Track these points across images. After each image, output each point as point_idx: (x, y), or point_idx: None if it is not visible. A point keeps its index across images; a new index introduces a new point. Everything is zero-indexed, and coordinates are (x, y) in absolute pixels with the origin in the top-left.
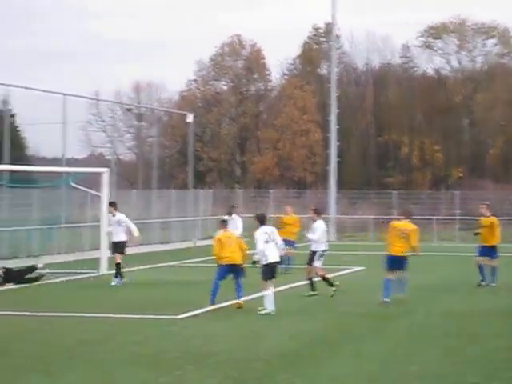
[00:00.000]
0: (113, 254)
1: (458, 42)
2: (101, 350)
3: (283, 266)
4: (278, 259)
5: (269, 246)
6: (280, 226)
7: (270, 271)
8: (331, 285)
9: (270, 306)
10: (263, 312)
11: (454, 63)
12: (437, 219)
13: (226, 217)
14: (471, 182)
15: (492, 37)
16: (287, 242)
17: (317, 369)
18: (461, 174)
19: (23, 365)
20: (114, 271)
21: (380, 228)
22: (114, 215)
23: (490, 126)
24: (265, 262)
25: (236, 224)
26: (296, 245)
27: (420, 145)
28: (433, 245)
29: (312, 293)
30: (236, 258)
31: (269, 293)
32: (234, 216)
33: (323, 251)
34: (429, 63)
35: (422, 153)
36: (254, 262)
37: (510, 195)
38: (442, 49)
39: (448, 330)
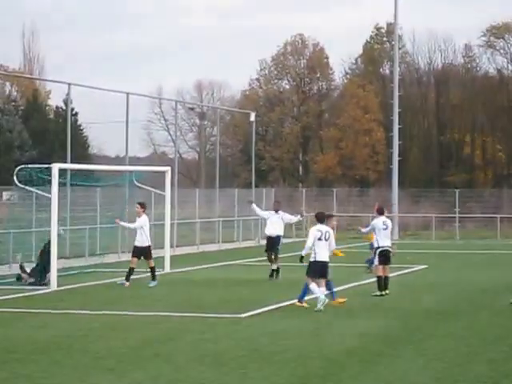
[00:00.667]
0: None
1: None
2: (165, 348)
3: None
4: (326, 259)
5: (320, 243)
6: None
7: (316, 269)
8: (380, 289)
9: (319, 304)
10: (318, 307)
11: None
12: (500, 217)
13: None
14: None
15: None
16: None
17: (381, 366)
18: None
19: (89, 364)
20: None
21: (443, 226)
22: (139, 217)
23: None
24: (312, 259)
25: (282, 220)
26: None
27: (482, 144)
28: (497, 242)
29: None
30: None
31: (313, 289)
32: (280, 212)
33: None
34: (491, 63)
35: (484, 152)
36: (302, 258)
37: None
38: (504, 48)
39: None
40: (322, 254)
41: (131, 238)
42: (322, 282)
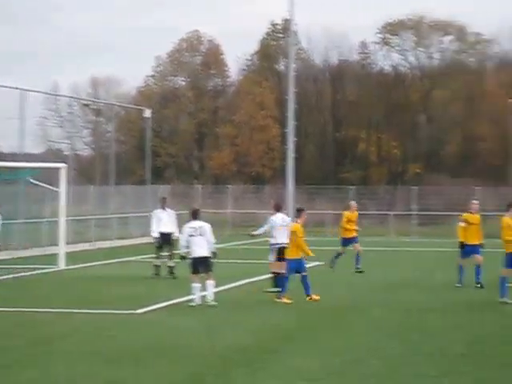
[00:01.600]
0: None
1: (415, 39)
2: (61, 345)
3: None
4: (204, 254)
5: (194, 240)
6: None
7: (196, 265)
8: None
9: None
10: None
11: (412, 60)
12: (394, 214)
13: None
14: (428, 177)
15: (449, 34)
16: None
17: (276, 363)
18: (418, 170)
19: None
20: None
21: (338, 223)
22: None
23: (446, 122)
24: (190, 256)
25: (171, 218)
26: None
27: (377, 141)
28: (390, 240)
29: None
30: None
31: (194, 287)
32: (168, 209)
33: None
34: (386, 60)
35: (379, 149)
36: (182, 257)
37: (467, 191)
38: (399, 45)
39: (407, 324)
40: (198, 250)
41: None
42: (209, 275)
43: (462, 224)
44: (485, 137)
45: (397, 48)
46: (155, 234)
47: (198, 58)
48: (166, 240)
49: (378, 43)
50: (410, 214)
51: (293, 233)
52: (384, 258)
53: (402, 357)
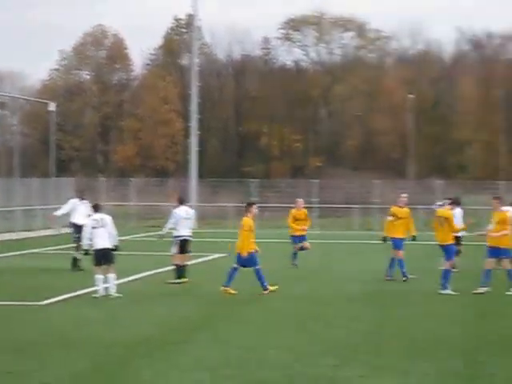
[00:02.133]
0: None
1: (316, 35)
2: None
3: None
4: (106, 246)
5: (97, 232)
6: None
7: (99, 257)
8: (178, 277)
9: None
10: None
11: (313, 55)
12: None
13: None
14: (329, 171)
15: (349, 30)
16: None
17: (178, 354)
18: (319, 164)
19: None
20: None
21: (240, 216)
22: None
23: (347, 116)
24: (93, 248)
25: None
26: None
27: (279, 135)
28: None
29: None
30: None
31: (97, 278)
32: (85, 201)
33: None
34: (288, 55)
35: (281, 143)
36: (86, 250)
37: (366, 184)
38: (301, 41)
39: (306, 314)
40: (100, 241)
41: None
42: (111, 268)
43: (390, 218)
44: (384, 131)
45: (298, 44)
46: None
47: (102, 52)
48: (79, 232)
49: (281, 39)
50: (311, 207)
51: (241, 226)
52: (285, 249)
53: (300, 346)
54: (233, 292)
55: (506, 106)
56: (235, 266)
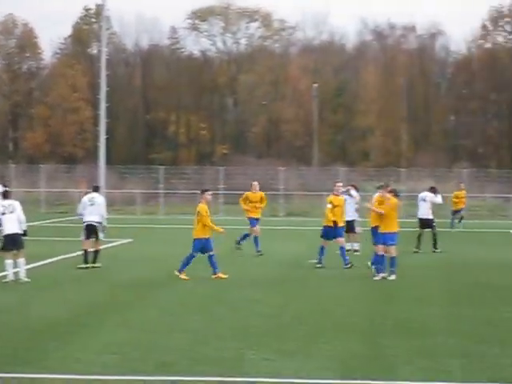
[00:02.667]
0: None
1: (223, 25)
2: None
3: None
4: (15, 231)
5: (5, 218)
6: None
7: (8, 242)
8: (86, 262)
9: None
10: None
11: (220, 45)
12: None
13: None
14: (235, 158)
15: (255, 20)
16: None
17: (87, 337)
18: (225, 151)
19: None
20: None
21: (147, 202)
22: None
23: (252, 105)
24: (3, 234)
25: None
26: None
27: (186, 123)
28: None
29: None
30: None
31: (6, 264)
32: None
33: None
34: (195, 45)
35: (189, 130)
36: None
37: (271, 171)
38: (207, 31)
39: (212, 298)
40: (10, 226)
41: None
42: (20, 253)
43: (329, 206)
44: (289, 119)
45: (205, 34)
46: None
47: (12, 41)
48: None
49: (188, 29)
50: (218, 193)
51: (197, 213)
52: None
53: (205, 329)
54: (224, 276)
55: (408, 95)
56: (194, 253)
